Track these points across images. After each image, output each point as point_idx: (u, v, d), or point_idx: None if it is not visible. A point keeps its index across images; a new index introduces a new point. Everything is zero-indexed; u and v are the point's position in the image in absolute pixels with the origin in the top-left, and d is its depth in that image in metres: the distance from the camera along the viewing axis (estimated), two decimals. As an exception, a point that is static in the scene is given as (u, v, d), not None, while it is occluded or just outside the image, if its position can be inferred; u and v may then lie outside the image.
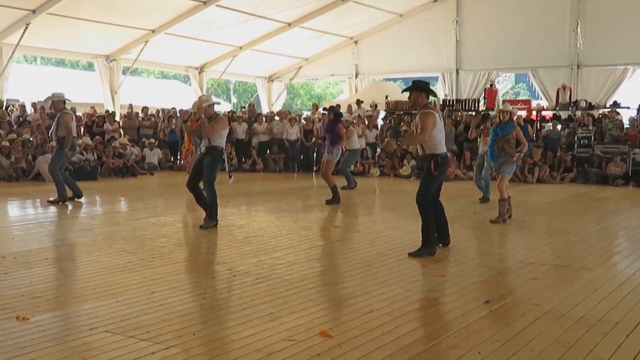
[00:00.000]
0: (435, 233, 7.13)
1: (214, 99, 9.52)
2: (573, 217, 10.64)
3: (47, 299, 5.15)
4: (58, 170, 11.30)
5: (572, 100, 21.08)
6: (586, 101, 20.65)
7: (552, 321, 4.67)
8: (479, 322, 4.66)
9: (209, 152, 8.75)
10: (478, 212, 10.71)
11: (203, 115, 8.76)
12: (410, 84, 7.25)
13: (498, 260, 7.18)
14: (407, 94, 7.37)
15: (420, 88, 7.11)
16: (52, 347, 4.05)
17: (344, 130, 12.37)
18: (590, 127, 18.31)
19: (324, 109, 13.90)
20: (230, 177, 9.51)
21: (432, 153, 7.02)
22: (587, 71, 22.79)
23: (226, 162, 9.16)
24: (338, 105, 21.89)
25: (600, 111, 20.50)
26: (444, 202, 7.48)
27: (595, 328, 4.52)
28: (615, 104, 20.43)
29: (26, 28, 19.42)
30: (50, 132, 11.27)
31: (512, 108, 10.50)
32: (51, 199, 11.33)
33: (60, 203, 11.18)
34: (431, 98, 7.47)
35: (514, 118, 10.65)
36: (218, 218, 8.91)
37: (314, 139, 19.66)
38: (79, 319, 4.69)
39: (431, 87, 7.30)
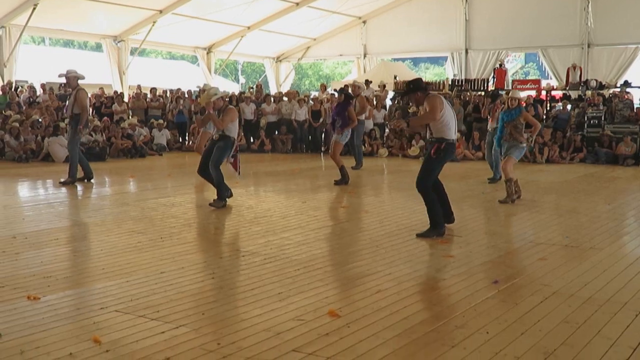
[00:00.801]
0: (440, 213, 7.12)
1: (221, 90, 9.56)
2: (582, 197, 10.60)
3: (58, 279, 5.19)
4: (78, 150, 11.39)
5: (582, 79, 20.92)
6: (596, 81, 20.47)
7: (560, 301, 4.67)
8: (487, 302, 4.67)
9: (222, 139, 8.92)
10: (487, 193, 10.69)
11: (211, 111, 8.82)
12: (405, 88, 7.28)
13: (506, 240, 7.18)
14: (413, 73, 7.42)
15: (413, 89, 7.05)
16: (63, 327, 4.09)
17: (355, 111, 12.34)
18: (601, 107, 18.17)
19: (335, 90, 13.84)
20: (238, 173, 9.42)
21: (439, 137, 6.97)
22: (597, 50, 22.60)
23: (237, 155, 9.15)
24: (347, 86, 21.90)
25: (611, 91, 20.32)
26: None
27: (604, 308, 4.52)
28: (626, 84, 20.25)
29: (34, 9, 19.41)
30: (65, 107, 11.34)
31: (520, 95, 10.51)
32: (62, 180, 11.39)
33: (71, 184, 11.23)
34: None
35: (522, 102, 10.62)
36: (227, 199, 8.97)
37: (322, 120, 19.61)
38: (90, 298, 4.73)
39: (422, 81, 7.31)
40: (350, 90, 13.67)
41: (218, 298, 4.75)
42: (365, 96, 20.07)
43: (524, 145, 9.84)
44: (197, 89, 20.99)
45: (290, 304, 4.57)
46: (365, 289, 4.98)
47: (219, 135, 8.95)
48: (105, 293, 4.79)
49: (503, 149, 9.99)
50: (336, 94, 14.22)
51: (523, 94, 20.49)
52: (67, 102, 11.42)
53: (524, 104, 18.28)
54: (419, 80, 7.36)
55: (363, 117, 14.58)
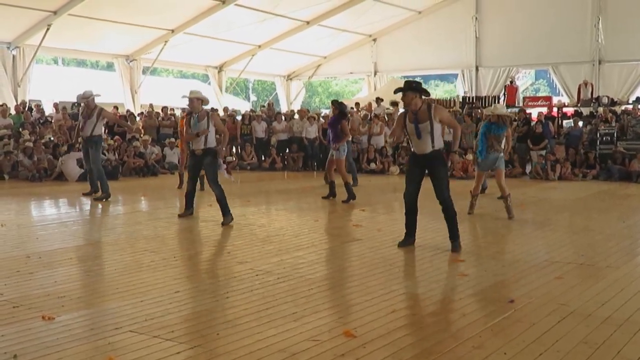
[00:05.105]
0: None
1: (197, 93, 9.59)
2: (596, 215, 10.52)
3: (72, 299, 5.19)
4: (101, 167, 11.81)
5: (593, 96, 20.88)
6: (608, 97, 20.44)
7: (578, 321, 4.62)
8: (503, 322, 4.62)
9: (207, 153, 9.12)
10: (499, 210, 10.61)
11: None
12: (404, 84, 7.28)
13: (521, 258, 7.11)
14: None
15: (415, 89, 7.13)
16: (78, 347, 4.08)
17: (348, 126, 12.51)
18: (613, 124, 18.10)
19: (332, 102, 13.79)
20: (229, 174, 9.71)
21: (440, 148, 7.17)
22: (608, 67, 22.57)
23: (220, 160, 9.46)
24: (358, 103, 21.97)
25: (623, 107, 20.28)
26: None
27: (623, 328, 4.46)
28: (638, 100, 20.19)
29: (47, 29, 19.64)
30: (92, 129, 11.65)
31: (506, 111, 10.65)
32: (96, 196, 11.71)
33: (105, 199, 11.51)
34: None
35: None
36: (236, 216, 9.11)
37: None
38: (104, 318, 4.72)
39: (423, 87, 7.40)
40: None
41: (232, 318, 4.73)
42: (375, 114, 20.18)
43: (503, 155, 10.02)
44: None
45: (305, 323, 4.54)
46: (380, 308, 4.94)
47: (202, 150, 9.07)
48: (120, 313, 4.78)
49: (488, 160, 9.87)
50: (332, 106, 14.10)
51: (534, 111, 20.52)
52: (87, 122, 11.55)
53: (536, 120, 18.31)
54: (417, 82, 7.45)
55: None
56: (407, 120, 7.17)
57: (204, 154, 9.12)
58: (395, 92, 7.33)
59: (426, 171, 7.26)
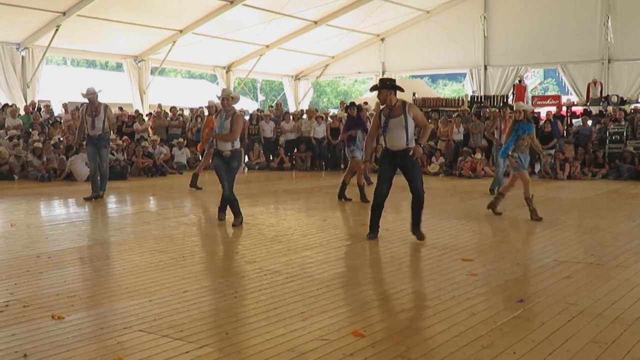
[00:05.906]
0: None
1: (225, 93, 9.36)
2: (605, 214, 10.48)
3: (82, 298, 5.21)
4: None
5: (603, 95, 20.78)
6: (618, 96, 20.34)
7: (587, 320, 4.60)
8: (512, 321, 4.61)
9: (235, 157, 8.96)
10: (508, 210, 10.58)
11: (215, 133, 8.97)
12: (378, 82, 7.70)
13: (529, 258, 7.10)
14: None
15: (389, 86, 7.50)
16: (88, 346, 4.10)
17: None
18: (622, 123, 18.02)
19: (349, 105, 13.62)
20: None
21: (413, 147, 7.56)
22: (618, 65, 22.47)
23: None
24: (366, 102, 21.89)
25: (632, 106, 20.18)
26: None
27: (633, 327, 4.44)
28: (648, 99, 20.11)
29: (57, 30, 19.72)
30: (102, 126, 11.80)
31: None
32: (100, 193, 11.87)
33: (94, 199, 11.67)
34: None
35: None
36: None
37: (341, 137, 19.62)
38: (113, 317, 4.73)
39: (397, 84, 7.67)
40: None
41: (241, 317, 4.74)
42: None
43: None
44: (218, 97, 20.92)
45: (313, 323, 4.54)
46: (388, 308, 4.94)
47: (230, 151, 8.86)
48: (129, 312, 4.80)
49: (525, 161, 9.80)
50: (346, 109, 14.01)
51: (543, 110, 20.45)
52: (95, 119, 11.65)
53: (545, 120, 18.24)
54: (391, 80, 7.79)
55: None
56: (381, 116, 7.55)
57: (232, 155, 8.90)
58: (371, 90, 7.62)
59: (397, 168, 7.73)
